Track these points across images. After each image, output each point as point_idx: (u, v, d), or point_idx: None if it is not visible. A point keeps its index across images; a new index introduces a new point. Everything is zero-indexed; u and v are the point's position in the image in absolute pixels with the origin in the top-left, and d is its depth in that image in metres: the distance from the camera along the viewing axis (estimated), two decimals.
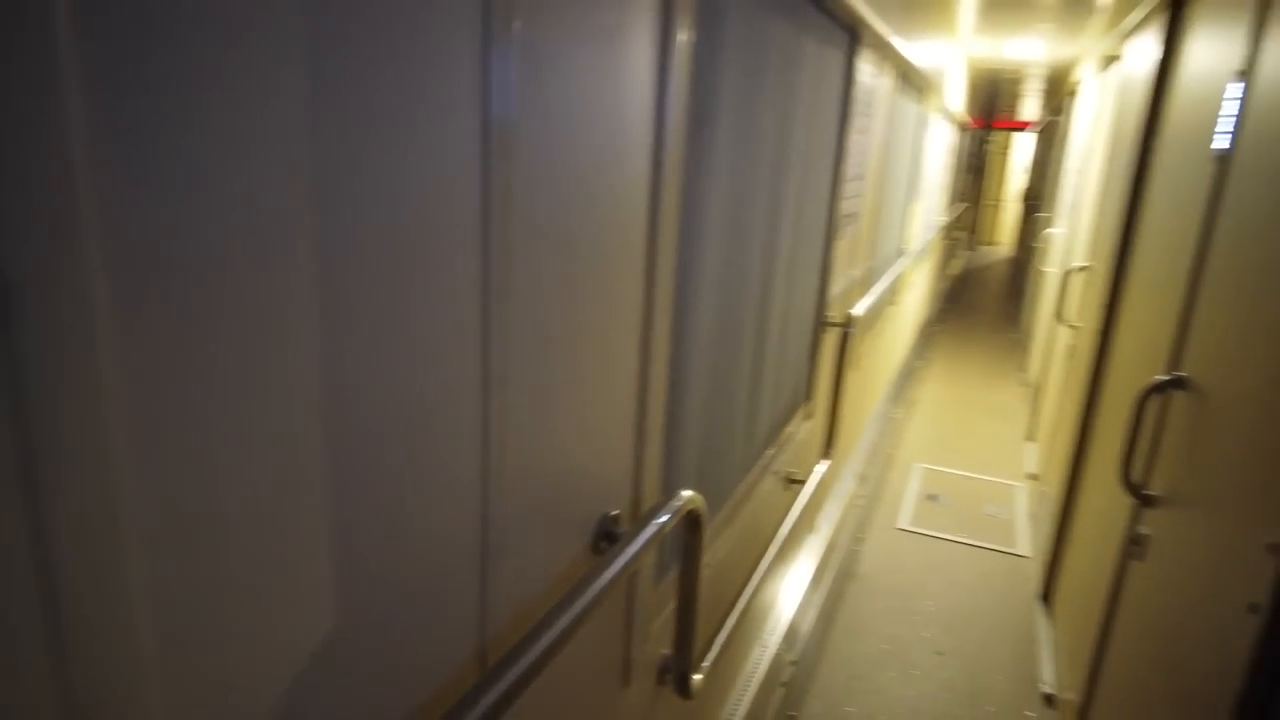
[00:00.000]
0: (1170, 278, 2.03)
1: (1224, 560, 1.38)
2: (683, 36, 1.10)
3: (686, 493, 1.17)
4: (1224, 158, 1.78)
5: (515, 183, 0.77)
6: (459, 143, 0.69)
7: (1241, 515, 1.33)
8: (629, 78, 0.99)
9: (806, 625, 2.66)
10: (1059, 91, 7.44)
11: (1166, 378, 1.83)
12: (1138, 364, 2.32)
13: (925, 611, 3.34)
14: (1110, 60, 3.97)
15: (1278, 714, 1.15)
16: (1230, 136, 1.77)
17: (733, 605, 1.79)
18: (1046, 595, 3.33)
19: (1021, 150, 14.72)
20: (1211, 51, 2.10)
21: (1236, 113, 1.76)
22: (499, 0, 0.70)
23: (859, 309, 2.77)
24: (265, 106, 0.50)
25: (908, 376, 6.09)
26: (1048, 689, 2.78)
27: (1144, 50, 2.93)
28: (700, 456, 1.60)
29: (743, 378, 1.83)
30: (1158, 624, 1.74)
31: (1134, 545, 1.96)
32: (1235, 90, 1.79)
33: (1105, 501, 2.43)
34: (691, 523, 1.21)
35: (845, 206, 2.57)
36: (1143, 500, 1.89)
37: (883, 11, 2.36)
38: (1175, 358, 1.89)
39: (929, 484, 4.61)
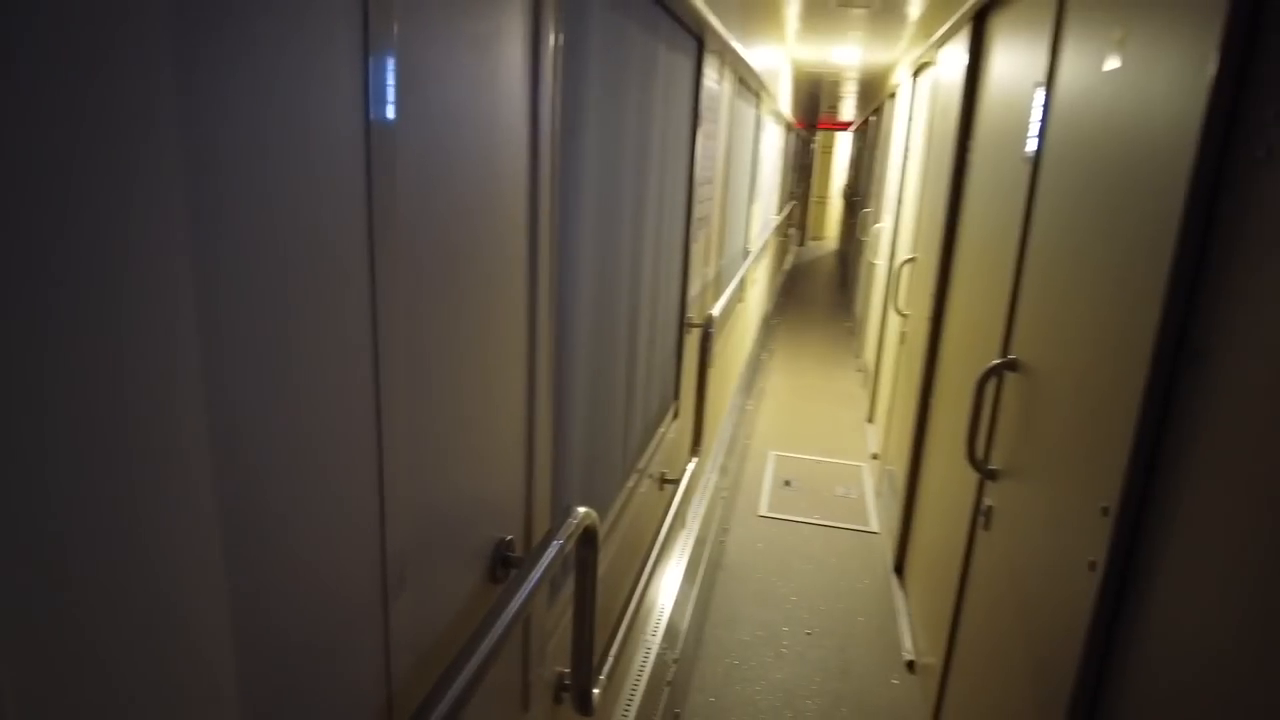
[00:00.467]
0: (998, 269, 2.22)
1: (1063, 524, 1.52)
2: (552, 41, 1.08)
3: (581, 510, 1.14)
4: (1034, 159, 1.97)
5: (400, 197, 0.72)
6: (341, 152, 0.63)
7: (1075, 482, 1.48)
8: (504, 86, 0.95)
9: (685, 622, 2.70)
10: (878, 94, 7.97)
11: (999, 361, 2.00)
12: (971, 349, 2.52)
13: (791, 595, 3.48)
14: (924, 66, 4.30)
15: (1118, 658, 1.28)
16: (1038, 140, 1.96)
17: (622, 614, 1.78)
18: (900, 568, 3.56)
19: (843, 149, 15.70)
20: (1016, 62, 2.31)
21: (1041, 119, 1.95)
22: (377, 5, 0.65)
23: (715, 309, 2.84)
24: (129, 108, 0.43)
25: (755, 369, 6.34)
26: (909, 656, 2.98)
27: (955, 58, 3.19)
28: (585, 470, 1.58)
29: (619, 386, 1.82)
30: (1007, 587, 1.89)
31: (981, 517, 2.13)
32: (1039, 98, 1.98)
33: (949, 477, 2.63)
34: (586, 539, 1.19)
35: (698, 210, 2.63)
36: (986, 475, 2.06)
37: (724, 17, 2.43)
38: (1006, 342, 2.07)
39: (783, 470, 4.81)
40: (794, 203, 12.18)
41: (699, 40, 2.35)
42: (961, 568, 2.32)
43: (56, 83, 0.39)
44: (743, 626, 3.21)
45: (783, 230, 9.53)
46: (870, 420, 5.53)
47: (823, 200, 16.48)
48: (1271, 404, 0.94)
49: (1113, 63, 1.52)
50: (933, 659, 2.65)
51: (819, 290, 11.39)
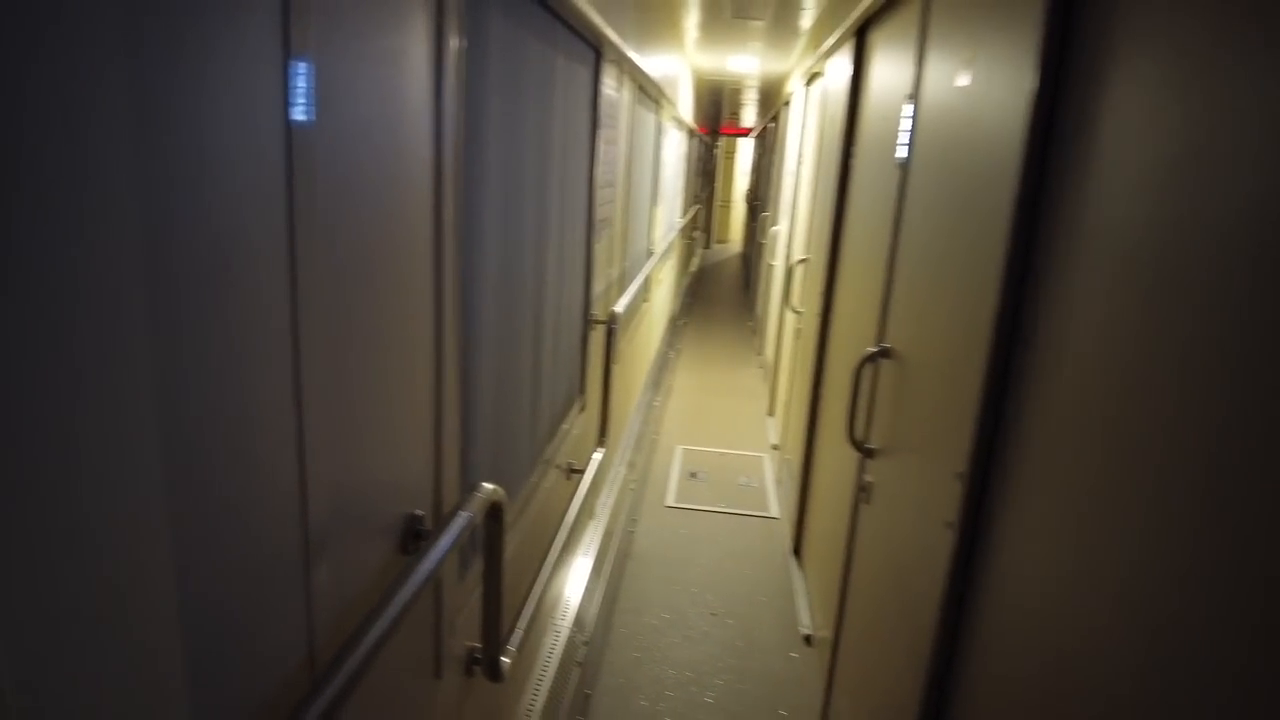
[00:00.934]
0: (874, 267, 2.42)
1: (927, 492, 1.70)
2: (454, 50, 1.16)
3: (488, 486, 1.23)
4: (903, 165, 2.17)
5: (318, 193, 0.80)
6: (260, 152, 0.70)
7: (936, 453, 1.66)
8: (411, 93, 1.03)
9: (594, 607, 2.80)
10: (775, 101, 8.28)
11: (875, 349, 2.19)
12: (853, 341, 2.72)
13: (697, 580, 3.64)
14: (815, 75, 4.54)
15: (971, 603, 1.45)
16: (907, 149, 2.16)
17: (529, 592, 1.87)
18: (798, 549, 3.77)
19: (745, 155, 16.14)
20: (890, 75, 2.52)
21: (910, 129, 2.15)
22: (296, 15, 0.73)
23: (619, 306, 2.96)
24: (47, 110, 0.47)
25: (662, 366, 6.51)
26: (806, 631, 3.17)
27: (840, 69, 3.41)
28: (493, 454, 1.66)
29: (525, 377, 1.91)
30: (884, 555, 2.08)
31: (862, 492, 2.32)
32: (908, 109, 2.18)
33: (836, 460, 2.82)
34: (493, 515, 1.28)
35: (601, 211, 2.74)
36: (865, 453, 2.25)
37: (621, 30, 2.55)
38: (881, 332, 2.27)
39: (690, 463, 4.98)
40: (699, 206, 12.48)
41: (597, 50, 2.46)
42: (848, 542, 2.50)
43: None
44: (651, 611, 3.34)
45: (688, 233, 9.77)
46: (770, 413, 5.77)
47: (727, 204, 16.89)
48: (1080, 380, 1.11)
49: (964, 79, 1.71)
50: (826, 631, 2.84)
51: (724, 291, 11.69)
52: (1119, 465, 0.98)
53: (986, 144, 1.50)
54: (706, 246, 15.51)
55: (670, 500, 4.43)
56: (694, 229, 11.73)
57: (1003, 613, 1.33)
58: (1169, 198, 0.92)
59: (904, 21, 2.36)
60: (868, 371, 2.27)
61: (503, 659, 1.43)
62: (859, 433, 2.28)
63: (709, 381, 6.91)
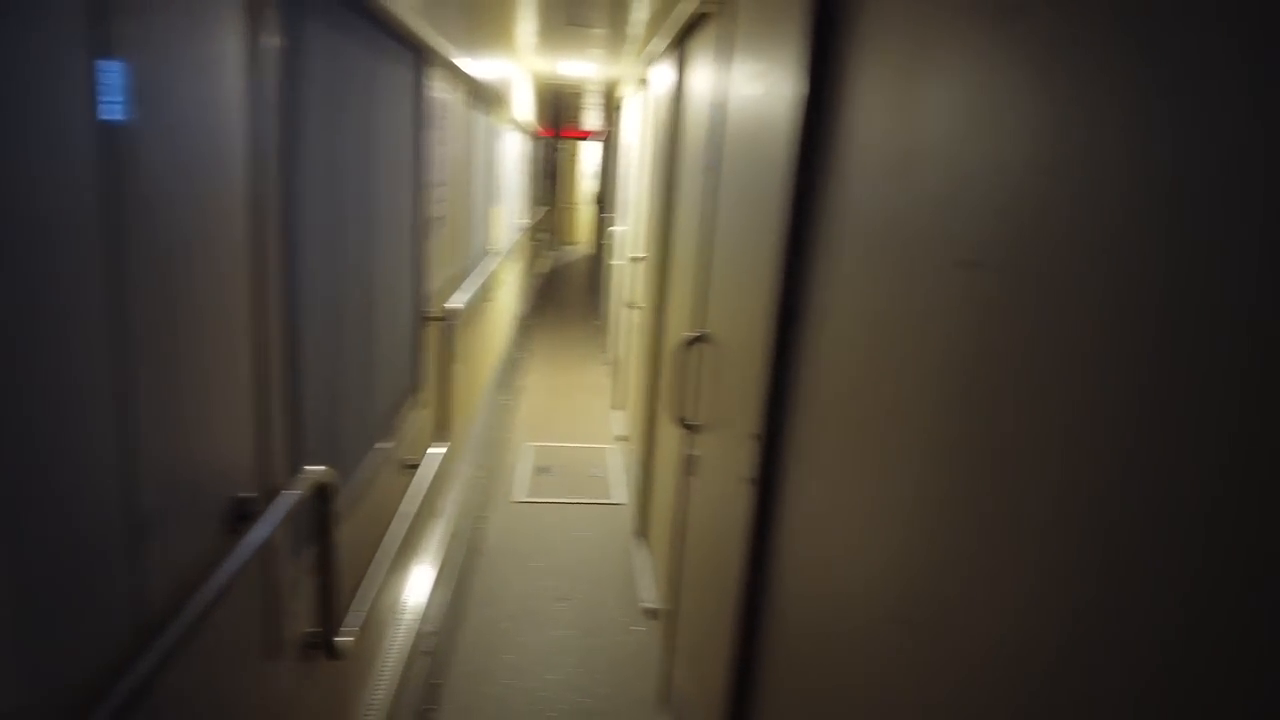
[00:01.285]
0: (696, 260, 2.62)
1: (733, 456, 1.89)
2: (273, 53, 1.21)
3: (317, 467, 1.29)
4: (715, 166, 2.37)
5: (131, 187, 0.84)
6: (70, 149, 0.75)
7: (741, 420, 1.85)
8: (229, 95, 1.08)
9: (444, 599, 2.84)
10: (615, 105, 8.50)
11: (694, 335, 2.38)
12: (683, 330, 2.92)
13: (547, 568, 3.74)
14: (645, 81, 4.76)
15: (770, 554, 1.65)
16: (718, 150, 2.36)
17: (366, 578, 1.91)
18: (644, 531, 3.95)
19: (589, 157, 16.36)
20: (705, 82, 2.73)
21: (720, 132, 2.35)
22: (105, 8, 0.77)
23: (455, 303, 3.02)
24: None
25: (512, 366, 6.55)
26: (648, 605, 3.34)
27: (665, 76, 3.62)
28: (325, 442, 1.70)
29: (354, 368, 1.95)
30: (708, 522, 2.27)
31: (689, 465, 2.51)
32: (719, 115, 2.38)
33: (671, 441, 3.01)
34: (322, 495, 1.33)
35: (433, 210, 2.79)
36: (691, 429, 2.44)
37: (449, 35, 2.62)
38: (701, 319, 2.46)
39: (540, 459, 5.07)
40: (546, 208, 12.56)
41: (421, 55, 2.51)
42: (681, 515, 2.69)
43: None
44: (502, 603, 3.41)
45: (534, 234, 9.84)
46: (618, 407, 5.96)
47: (574, 206, 17.05)
48: (835, 347, 1.31)
49: (759, 87, 1.91)
50: (667, 604, 3.02)
51: (573, 292, 11.84)
52: (862, 416, 1.18)
53: (772, 143, 1.70)
54: (555, 248, 15.61)
55: (521, 496, 4.50)
56: (541, 230, 11.80)
57: (796, 559, 1.52)
58: (884, 188, 1.12)
59: (716, 34, 2.57)
60: (693, 356, 2.46)
61: (338, 639, 1.48)
62: (686, 412, 2.47)
63: (559, 380, 7.02)
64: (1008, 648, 0.77)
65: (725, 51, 2.33)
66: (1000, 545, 0.78)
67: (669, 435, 3.16)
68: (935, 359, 0.93)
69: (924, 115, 1.01)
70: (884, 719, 1.05)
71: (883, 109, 1.16)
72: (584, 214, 16.76)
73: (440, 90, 2.83)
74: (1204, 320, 0.56)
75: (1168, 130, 0.60)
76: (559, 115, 12.47)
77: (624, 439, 5.22)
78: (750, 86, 1.97)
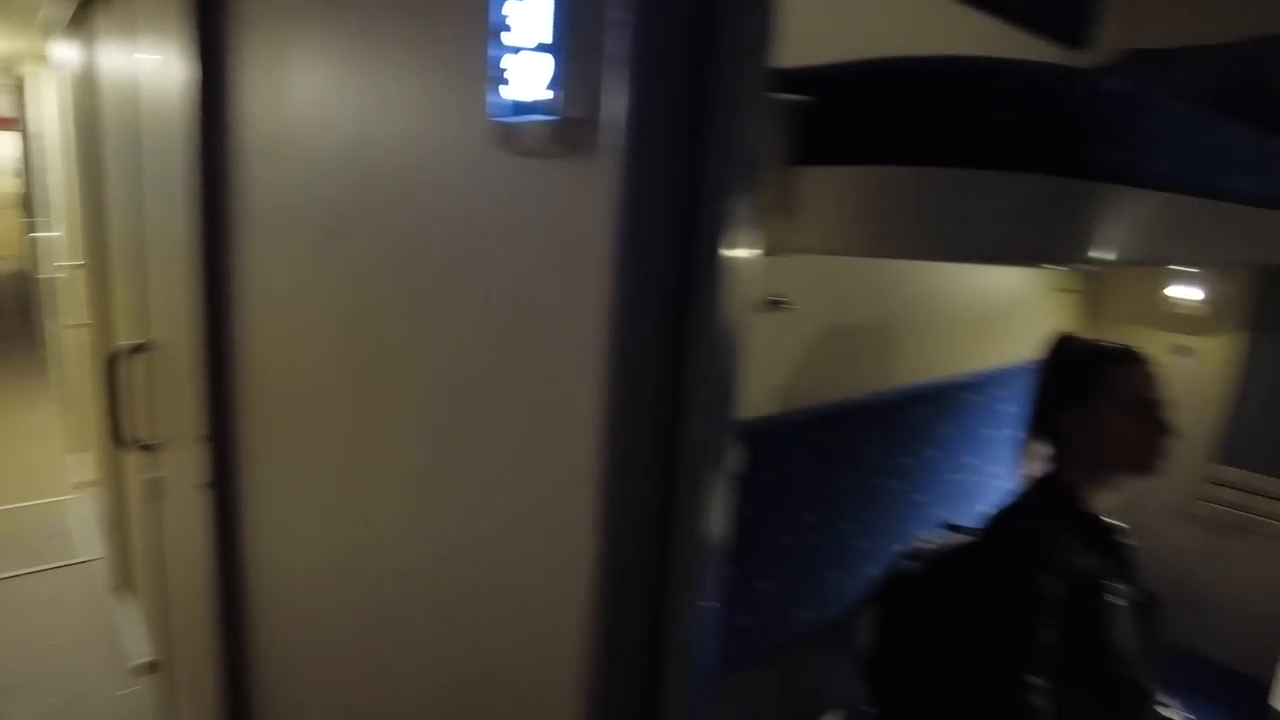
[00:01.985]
0: (135, 263, 2.31)
1: (191, 465, 1.75)
2: None
3: None
4: (137, 154, 2.12)
5: None
6: None
7: (190, 425, 1.72)
8: None
9: None
10: (18, 86, 6.98)
11: (136, 343, 2.12)
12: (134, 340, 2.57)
13: (4, 661, 3.01)
14: (45, 57, 4.00)
15: (235, 553, 1.58)
16: (136, 135, 2.12)
17: None
18: (127, 582, 3.40)
19: (7, 152, 13.17)
20: (114, 63, 2.41)
21: (133, 120, 2.11)
22: None
23: None
24: None
25: None
26: (140, 661, 2.92)
27: (72, 52, 3.09)
28: None
29: None
30: (187, 547, 2.06)
31: (155, 491, 2.24)
32: (132, 98, 2.13)
33: (138, 471, 2.65)
34: None
35: None
36: (146, 450, 2.17)
37: None
38: (145, 327, 2.20)
39: None
40: None
41: None
42: (158, 547, 2.40)
43: None
44: None
45: None
46: (77, 449, 5.00)
47: None
48: (258, 335, 1.30)
49: (160, 69, 1.76)
50: (163, 653, 2.67)
51: (3, 318, 9.51)
52: (294, 396, 1.20)
53: (178, 130, 1.59)
54: None
55: None
56: None
57: (266, 562, 1.48)
58: (270, 169, 1.15)
59: (121, 12, 2.28)
60: (140, 368, 2.18)
61: None
62: (141, 431, 2.19)
63: None
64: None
65: (129, 28, 2.09)
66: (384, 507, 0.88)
67: (137, 467, 2.77)
68: (328, 330, 0.99)
69: (289, 97, 1.05)
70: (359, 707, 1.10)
71: (263, 93, 1.18)
72: (7, 221, 13.48)
73: None
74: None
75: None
76: None
77: (90, 484, 4.41)
78: (153, 67, 1.81)
